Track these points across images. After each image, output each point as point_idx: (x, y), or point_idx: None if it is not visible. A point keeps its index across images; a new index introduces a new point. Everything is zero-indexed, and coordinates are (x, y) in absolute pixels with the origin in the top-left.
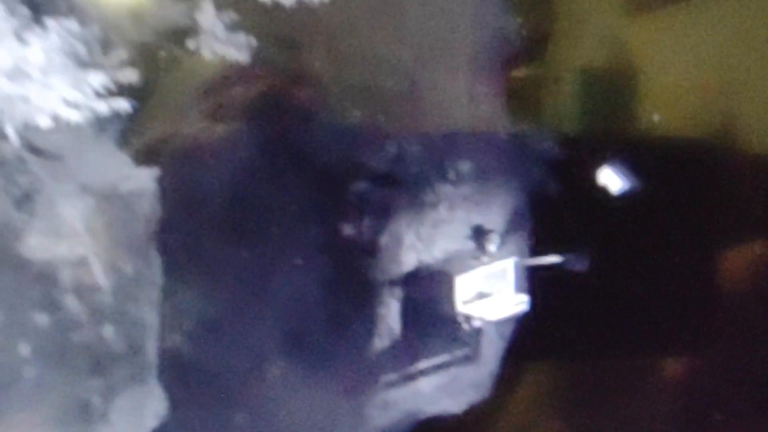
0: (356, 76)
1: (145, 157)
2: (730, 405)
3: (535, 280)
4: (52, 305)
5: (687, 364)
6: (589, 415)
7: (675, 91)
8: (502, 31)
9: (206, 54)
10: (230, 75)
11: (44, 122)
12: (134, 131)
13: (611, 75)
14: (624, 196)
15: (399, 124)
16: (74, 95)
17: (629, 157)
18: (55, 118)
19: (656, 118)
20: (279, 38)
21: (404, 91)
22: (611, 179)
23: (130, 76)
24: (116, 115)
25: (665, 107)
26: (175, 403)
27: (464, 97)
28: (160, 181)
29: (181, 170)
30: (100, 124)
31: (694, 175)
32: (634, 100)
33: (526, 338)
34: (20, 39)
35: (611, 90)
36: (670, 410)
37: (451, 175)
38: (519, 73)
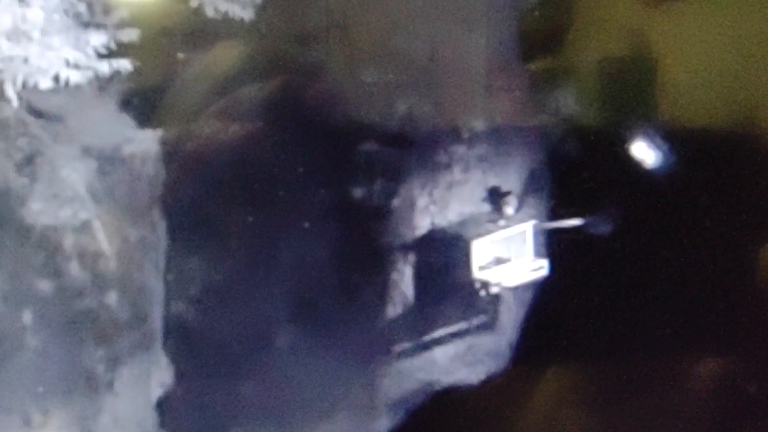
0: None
1: (148, 118)
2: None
3: (555, 245)
4: (55, 272)
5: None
6: (614, 396)
7: (695, 82)
8: (519, 23)
9: (209, 11)
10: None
11: (45, 83)
12: (137, 92)
13: (630, 66)
14: (648, 162)
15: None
16: (75, 55)
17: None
18: (56, 79)
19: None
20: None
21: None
22: (644, 151)
23: (132, 35)
24: (118, 76)
25: (685, 98)
26: (181, 372)
27: (482, 88)
28: (164, 143)
29: (185, 132)
30: (101, 84)
31: (720, 164)
32: (654, 91)
33: (546, 305)
34: None
35: (630, 81)
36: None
37: (465, 133)
38: (537, 65)
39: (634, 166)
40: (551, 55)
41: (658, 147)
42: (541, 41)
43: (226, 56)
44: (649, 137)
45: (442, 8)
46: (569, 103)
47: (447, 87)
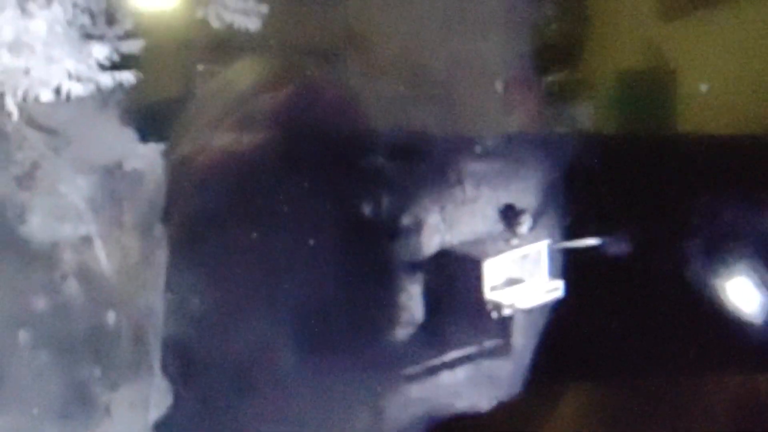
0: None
1: (151, 132)
2: None
3: (570, 265)
4: (53, 289)
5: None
6: (632, 419)
7: (711, 94)
8: (535, 36)
9: (213, 22)
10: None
11: (46, 96)
12: (140, 105)
13: (647, 79)
14: (669, 178)
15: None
16: (77, 67)
17: (686, 156)
18: (58, 92)
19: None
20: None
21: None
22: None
23: (135, 46)
24: (121, 89)
25: (703, 109)
26: (180, 394)
27: (496, 102)
28: (167, 157)
29: (189, 146)
30: (103, 97)
31: (744, 179)
32: (671, 103)
33: (561, 328)
34: (23, 10)
35: (647, 94)
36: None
37: (478, 148)
38: (554, 78)
39: (654, 182)
40: (569, 68)
41: (678, 164)
42: (558, 54)
43: (234, 69)
44: (669, 152)
45: (459, 20)
46: (586, 117)
47: (460, 99)
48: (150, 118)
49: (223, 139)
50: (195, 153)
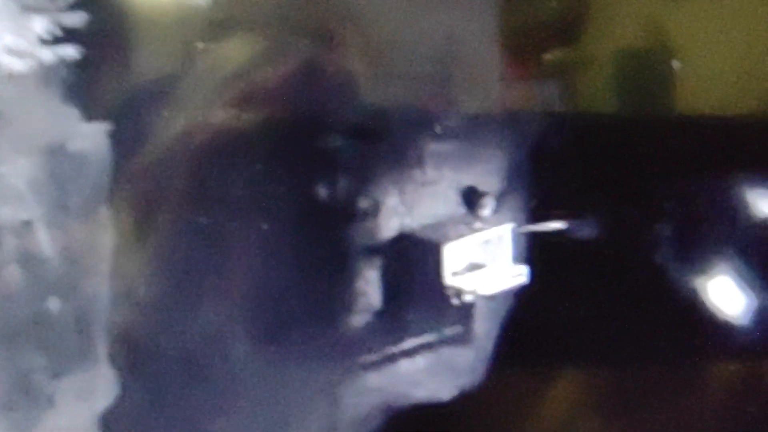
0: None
1: (96, 110)
2: None
3: (535, 249)
4: None
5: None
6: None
7: (713, 74)
8: (535, 13)
9: None
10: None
11: None
12: (84, 82)
13: (648, 57)
14: (639, 158)
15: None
16: (17, 42)
17: (662, 137)
18: None
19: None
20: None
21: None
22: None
23: (78, 19)
24: (63, 64)
25: (703, 89)
26: (127, 384)
27: (496, 79)
28: (113, 137)
29: (134, 126)
30: (45, 74)
31: (737, 159)
32: (672, 82)
33: (525, 315)
34: None
35: (648, 72)
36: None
37: (438, 127)
38: (552, 55)
39: (625, 164)
40: (567, 46)
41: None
42: (557, 31)
43: (226, 46)
44: (647, 134)
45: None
46: (558, 94)
47: (418, 75)
48: (95, 95)
49: (167, 121)
50: (138, 133)
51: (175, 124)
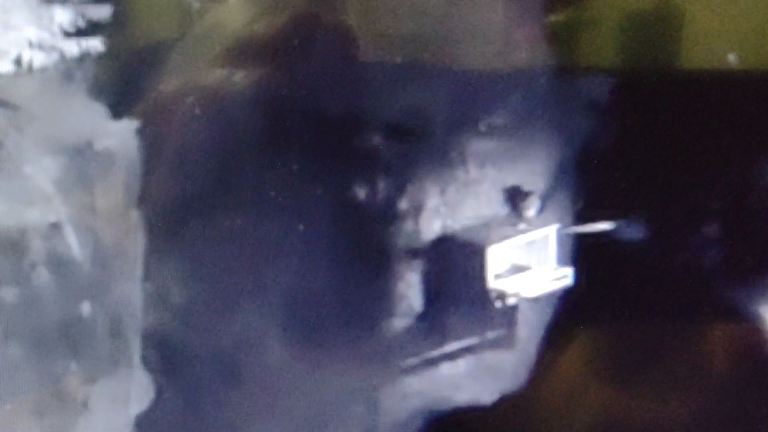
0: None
1: (124, 107)
2: None
3: (580, 251)
4: (22, 279)
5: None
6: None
7: (722, 33)
8: None
9: None
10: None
11: (6, 67)
12: (111, 77)
13: (655, 17)
14: (685, 154)
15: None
16: (39, 35)
17: (683, 104)
18: (18, 62)
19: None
20: None
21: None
22: None
23: (103, 12)
24: (88, 58)
25: (713, 49)
26: (162, 387)
27: (500, 43)
28: (142, 135)
29: (166, 122)
30: (69, 69)
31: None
32: (680, 43)
33: (569, 318)
34: None
35: (655, 33)
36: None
37: (483, 126)
38: (558, 16)
39: (673, 163)
40: (574, 7)
41: None
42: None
43: (210, 38)
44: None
45: None
46: (600, 85)
47: (462, 70)
48: (120, 91)
49: (201, 121)
50: (170, 132)
51: (208, 124)
